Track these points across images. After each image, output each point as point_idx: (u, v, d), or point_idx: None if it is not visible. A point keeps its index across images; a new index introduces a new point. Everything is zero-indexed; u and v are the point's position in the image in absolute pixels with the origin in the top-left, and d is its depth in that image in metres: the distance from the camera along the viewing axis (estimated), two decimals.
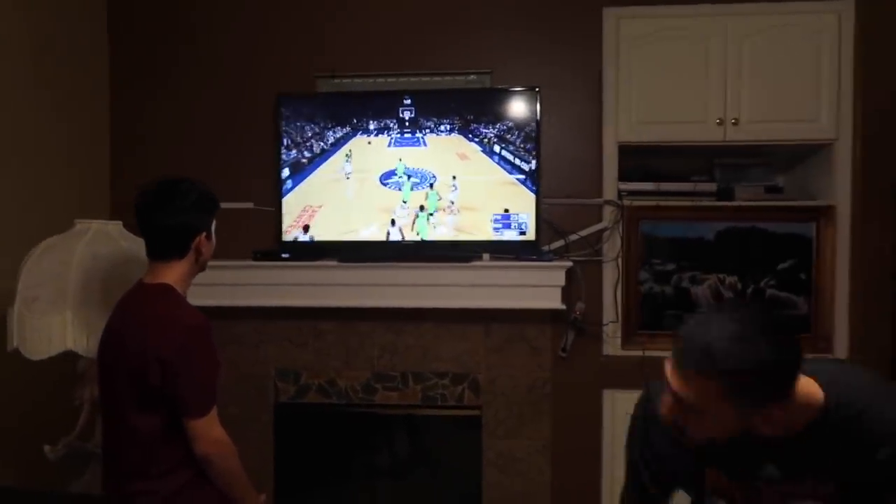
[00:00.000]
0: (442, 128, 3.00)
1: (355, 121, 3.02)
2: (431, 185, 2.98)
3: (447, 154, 2.98)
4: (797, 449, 1.31)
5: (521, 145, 2.94)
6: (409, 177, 3.00)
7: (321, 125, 3.01)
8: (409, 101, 2.99)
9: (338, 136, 3.02)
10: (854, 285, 2.84)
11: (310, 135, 3.01)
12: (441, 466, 3.16)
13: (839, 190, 2.85)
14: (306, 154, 3.01)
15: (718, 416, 1.23)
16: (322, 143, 3.02)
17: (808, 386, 1.28)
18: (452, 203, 2.98)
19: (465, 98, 3.00)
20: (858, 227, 2.83)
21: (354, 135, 3.02)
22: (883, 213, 2.79)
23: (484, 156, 2.98)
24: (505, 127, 2.96)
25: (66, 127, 2.95)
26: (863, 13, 2.80)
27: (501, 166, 2.96)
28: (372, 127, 3.02)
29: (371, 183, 3.01)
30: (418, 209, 2.97)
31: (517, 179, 2.93)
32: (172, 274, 1.83)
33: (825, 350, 2.85)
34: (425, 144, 3.00)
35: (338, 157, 3.01)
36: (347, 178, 3.00)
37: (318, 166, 3.01)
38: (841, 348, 2.84)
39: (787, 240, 2.91)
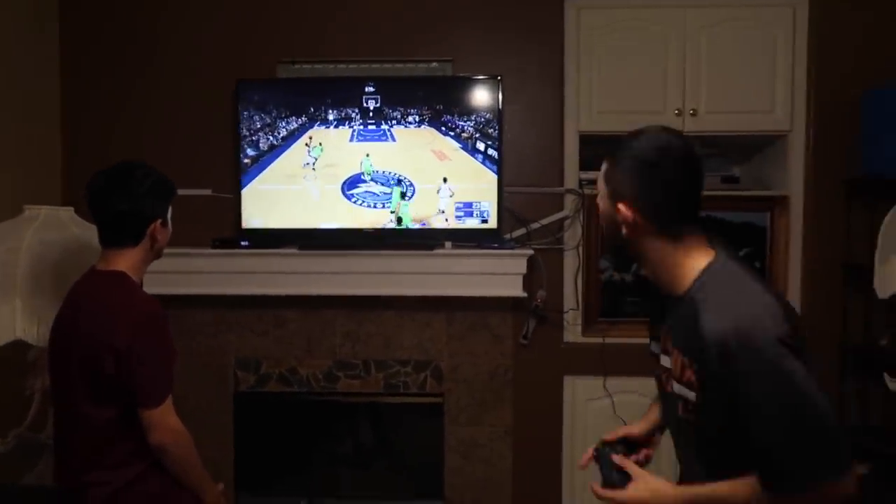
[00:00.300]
0: (410, 119, 2.90)
1: (312, 109, 2.92)
2: (405, 195, 2.90)
3: (421, 151, 2.90)
4: (674, 311, 1.32)
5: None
6: (398, 181, 2.90)
7: (279, 113, 2.94)
8: (372, 89, 2.94)
9: (292, 127, 2.92)
10: (806, 273, 2.92)
11: (268, 122, 2.95)
12: (403, 454, 3.17)
13: (793, 181, 2.92)
14: (265, 142, 2.95)
15: (602, 196, 1.37)
16: (277, 134, 2.93)
17: (701, 255, 1.29)
18: (443, 213, 2.90)
19: (434, 86, 2.93)
20: (811, 217, 2.90)
21: (312, 125, 2.93)
22: (835, 204, 2.87)
23: (466, 154, 2.90)
24: (483, 119, 2.88)
25: (13, 111, 2.85)
26: (816, 7, 2.87)
27: (490, 168, 2.88)
28: (331, 117, 2.93)
29: (333, 193, 2.91)
30: (396, 222, 2.92)
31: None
32: (126, 261, 1.79)
33: None
34: (393, 139, 2.91)
35: (297, 149, 2.93)
36: (310, 167, 2.93)
37: (277, 156, 2.95)
38: None
39: (742, 229, 2.98)
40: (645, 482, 1.33)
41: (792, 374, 1.15)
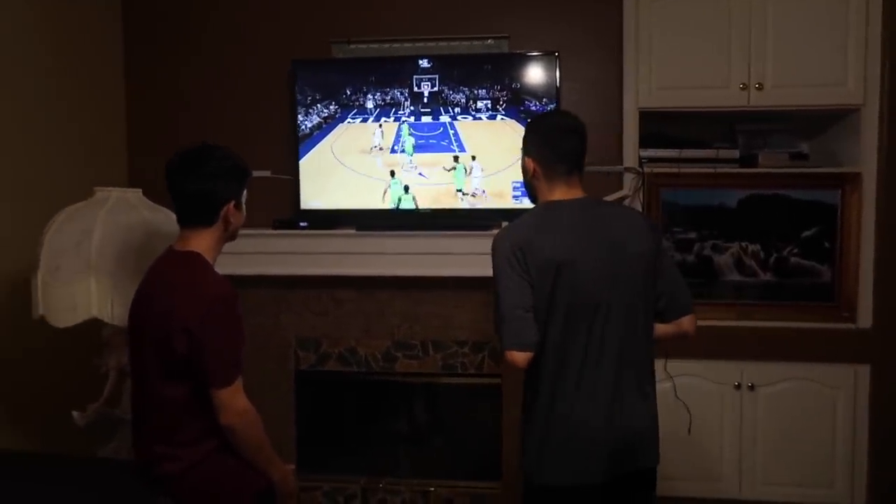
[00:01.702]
0: (480, 105, 2.62)
1: (363, 91, 2.82)
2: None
3: (513, 173, 2.78)
4: None
5: None
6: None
7: (334, 92, 2.92)
8: (427, 63, 2.82)
9: (347, 106, 2.86)
10: (879, 253, 2.79)
11: (323, 102, 2.94)
12: (461, 434, 3.19)
13: (866, 157, 2.79)
14: (322, 122, 2.95)
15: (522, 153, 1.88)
16: (332, 113, 2.92)
17: (556, 196, 1.80)
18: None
19: (503, 63, 2.76)
20: (885, 194, 2.77)
21: (345, 117, 2.84)
22: None
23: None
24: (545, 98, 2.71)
25: (81, 94, 2.94)
26: None
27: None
28: (370, 105, 2.80)
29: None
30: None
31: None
32: (201, 242, 1.82)
33: (849, 319, 2.83)
34: (460, 145, 2.67)
35: (354, 129, 2.92)
36: (376, 149, 2.90)
37: (333, 137, 2.95)
38: (865, 317, 2.80)
39: (811, 207, 2.87)
40: None
41: (495, 271, 1.75)
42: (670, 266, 1.88)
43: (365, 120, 2.91)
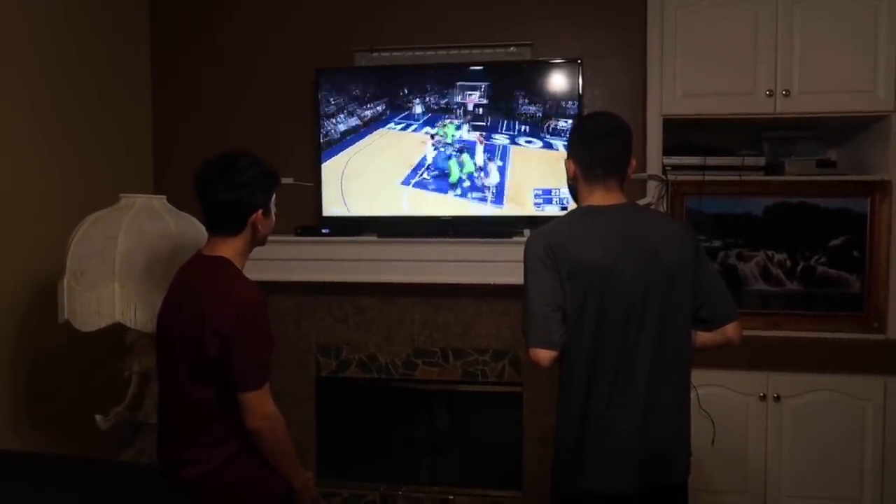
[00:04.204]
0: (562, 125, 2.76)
1: (394, 98, 2.83)
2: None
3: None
4: None
5: None
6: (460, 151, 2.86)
7: (359, 101, 2.93)
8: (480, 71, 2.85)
9: (372, 114, 2.86)
10: None
11: (348, 110, 2.96)
12: (481, 442, 3.17)
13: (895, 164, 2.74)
14: (345, 130, 2.96)
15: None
16: (356, 121, 2.93)
17: (594, 200, 1.78)
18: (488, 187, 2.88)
19: (526, 71, 2.79)
20: None
21: (390, 117, 2.86)
22: None
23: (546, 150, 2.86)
24: (561, 104, 2.80)
25: (108, 101, 2.98)
26: None
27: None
28: (418, 110, 2.81)
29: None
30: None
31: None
32: (230, 248, 1.84)
33: (878, 329, 2.77)
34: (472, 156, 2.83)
35: (376, 136, 2.93)
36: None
37: (356, 143, 2.96)
38: (895, 327, 2.74)
39: (839, 215, 2.82)
40: None
41: (526, 270, 1.73)
42: (710, 274, 1.82)
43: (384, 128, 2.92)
